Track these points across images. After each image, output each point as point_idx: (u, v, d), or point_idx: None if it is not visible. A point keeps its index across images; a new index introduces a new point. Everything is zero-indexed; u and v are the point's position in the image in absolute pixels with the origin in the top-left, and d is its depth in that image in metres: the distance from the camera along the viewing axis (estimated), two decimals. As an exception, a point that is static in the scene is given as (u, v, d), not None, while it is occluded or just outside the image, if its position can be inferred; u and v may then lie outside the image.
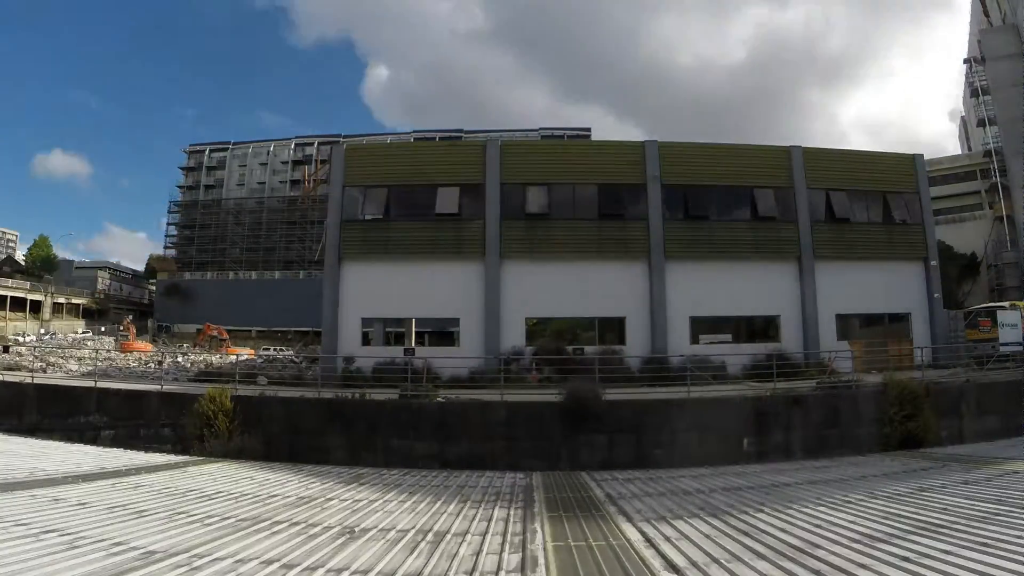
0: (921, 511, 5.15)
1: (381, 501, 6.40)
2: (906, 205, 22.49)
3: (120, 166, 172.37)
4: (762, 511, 5.49)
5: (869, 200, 22.39)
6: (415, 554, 4.24)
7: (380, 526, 5.12)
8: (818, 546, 4.17)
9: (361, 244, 20.90)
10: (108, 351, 42.51)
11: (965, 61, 52.69)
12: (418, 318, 22.17)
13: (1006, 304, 23.92)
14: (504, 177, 21.02)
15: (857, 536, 4.40)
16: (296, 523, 5.14)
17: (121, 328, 58.65)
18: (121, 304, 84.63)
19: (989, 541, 4.05)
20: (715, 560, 3.95)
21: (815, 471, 8.29)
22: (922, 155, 23.54)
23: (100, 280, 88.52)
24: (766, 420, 12.52)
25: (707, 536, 4.63)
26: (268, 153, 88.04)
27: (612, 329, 21.43)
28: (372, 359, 18.67)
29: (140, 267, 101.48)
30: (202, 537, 4.54)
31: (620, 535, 4.83)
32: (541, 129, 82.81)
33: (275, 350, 49.53)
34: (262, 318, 69.63)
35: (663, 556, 4.11)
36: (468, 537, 4.76)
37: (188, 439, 11.96)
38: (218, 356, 42.45)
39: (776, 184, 21.83)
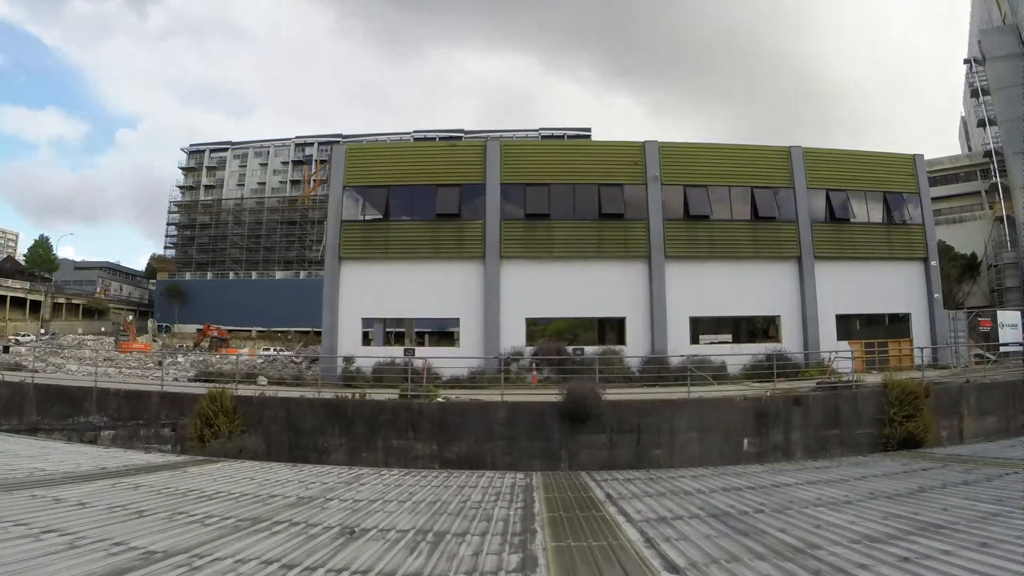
0: (921, 511, 5.15)
1: (381, 501, 6.39)
2: (906, 205, 22.48)
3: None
4: (762, 511, 5.48)
5: (869, 200, 22.38)
6: (415, 554, 4.24)
7: (380, 526, 5.12)
8: (818, 546, 4.17)
9: (361, 244, 20.89)
10: (108, 351, 42.55)
11: (965, 61, 52.72)
12: (418, 318, 22.17)
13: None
14: (504, 177, 21.02)
15: (857, 536, 4.40)
16: (296, 523, 5.13)
17: (121, 328, 58.67)
18: (121, 304, 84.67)
19: (989, 541, 4.05)
20: (715, 560, 3.95)
21: (815, 471, 8.28)
22: (922, 155, 23.54)
23: (100, 280, 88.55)
24: (766, 420, 12.51)
25: (707, 536, 4.62)
26: (268, 153, 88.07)
27: (612, 329, 21.44)
28: (372, 359, 18.67)
29: (140, 267, 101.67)
30: (202, 537, 4.54)
31: (620, 535, 4.82)
32: (541, 129, 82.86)
33: (275, 350, 49.54)
34: (262, 318, 69.67)
35: (663, 556, 4.11)
36: (468, 537, 4.76)
37: (188, 439, 11.95)
38: (218, 356, 42.51)
39: (776, 184, 21.83)
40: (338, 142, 63.90)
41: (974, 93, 48.59)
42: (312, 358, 32.86)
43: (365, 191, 21.73)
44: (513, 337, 19.90)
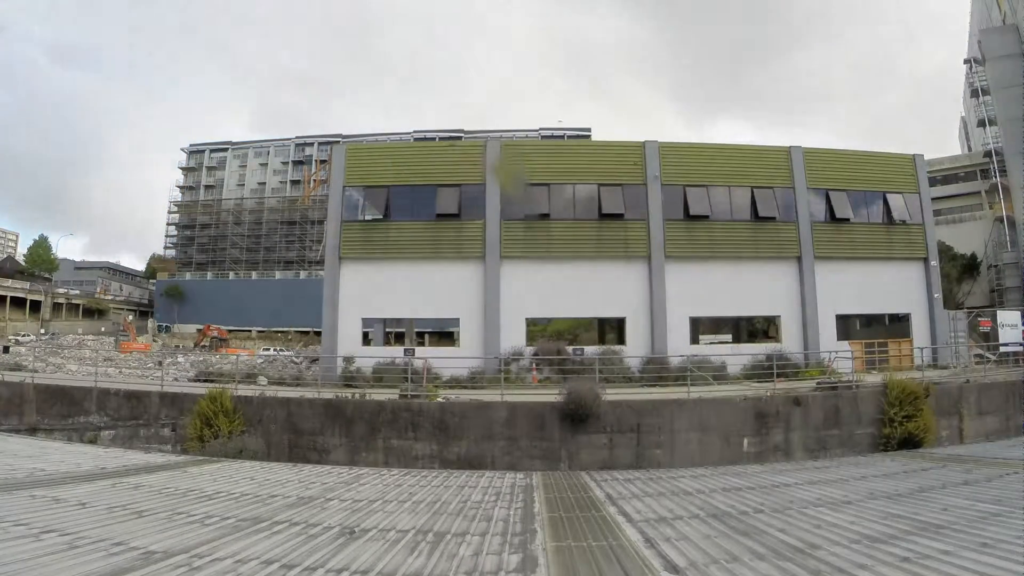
0: (921, 511, 5.15)
1: (381, 501, 6.39)
2: (906, 205, 22.48)
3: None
4: (762, 512, 5.48)
5: (869, 200, 22.39)
6: (415, 554, 4.24)
7: (380, 526, 5.12)
8: (818, 547, 4.17)
9: (361, 244, 20.89)
10: (108, 351, 42.57)
11: (965, 61, 52.68)
12: (418, 318, 22.17)
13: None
14: (504, 177, 21.01)
15: (857, 537, 4.40)
16: (296, 523, 5.14)
17: (121, 328, 58.67)
18: (121, 304, 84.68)
19: (989, 541, 4.05)
20: (715, 560, 3.95)
21: (815, 471, 8.29)
22: (922, 155, 23.53)
23: (100, 280, 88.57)
24: (766, 420, 12.50)
25: (707, 536, 4.63)
26: (268, 153, 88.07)
27: (612, 329, 21.44)
28: (372, 359, 18.67)
29: (140, 267, 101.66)
30: (202, 537, 4.54)
31: (620, 535, 4.83)
32: (541, 129, 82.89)
33: (275, 350, 49.54)
34: (262, 318, 69.67)
35: (663, 556, 4.11)
36: (468, 537, 4.76)
37: (188, 439, 11.96)
38: (218, 356, 42.54)
39: (776, 184, 21.83)
40: (338, 142, 63.92)
41: (974, 93, 48.55)
42: (312, 358, 32.87)
43: (365, 191, 21.73)
44: (513, 337, 19.90)
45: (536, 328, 20.84)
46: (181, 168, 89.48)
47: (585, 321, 21.81)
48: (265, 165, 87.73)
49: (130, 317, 72.05)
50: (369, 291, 20.39)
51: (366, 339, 21.11)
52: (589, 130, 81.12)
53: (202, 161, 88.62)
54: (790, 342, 20.40)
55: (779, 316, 21.24)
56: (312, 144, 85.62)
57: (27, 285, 66.64)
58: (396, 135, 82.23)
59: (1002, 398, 14.23)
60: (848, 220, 21.90)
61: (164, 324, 72.22)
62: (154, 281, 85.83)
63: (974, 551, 3.85)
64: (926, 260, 22.29)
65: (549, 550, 4.38)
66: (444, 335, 27.47)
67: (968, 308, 30.69)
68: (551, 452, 11.94)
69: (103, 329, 67.65)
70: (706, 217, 21.24)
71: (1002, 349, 23.22)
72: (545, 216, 20.91)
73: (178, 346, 57.52)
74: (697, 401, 12.74)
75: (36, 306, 66.74)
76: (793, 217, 21.56)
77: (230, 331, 63.30)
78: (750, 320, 22.34)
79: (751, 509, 5.62)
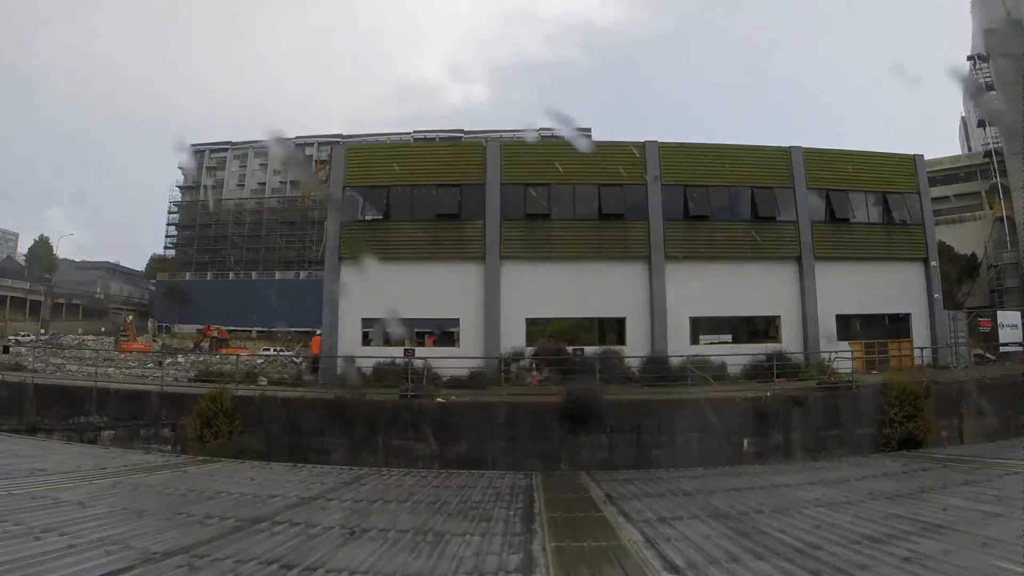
0: (921, 512, 5.16)
1: (381, 501, 6.40)
2: (906, 205, 22.45)
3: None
4: (762, 512, 5.49)
5: (869, 200, 22.35)
6: (415, 554, 4.25)
7: (380, 526, 5.12)
8: (818, 547, 4.17)
9: (361, 245, 20.87)
10: (108, 351, 42.55)
11: (968, 59, 52.63)
12: (418, 319, 22.14)
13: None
14: (504, 177, 21.00)
15: (857, 537, 4.40)
16: (296, 523, 5.14)
17: (121, 328, 58.62)
18: (121, 304, 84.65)
19: (989, 541, 4.06)
20: (715, 560, 3.96)
21: (815, 472, 8.30)
22: (922, 155, 23.49)
23: (99, 280, 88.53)
24: (766, 420, 12.49)
25: (707, 536, 4.63)
26: (268, 153, 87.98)
27: (612, 329, 21.40)
28: (372, 359, 18.65)
29: (140, 267, 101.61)
30: (202, 537, 4.55)
31: (620, 535, 4.83)
32: (541, 129, 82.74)
33: (275, 350, 49.51)
34: (262, 318, 69.61)
35: (663, 556, 4.12)
36: (468, 537, 4.77)
37: (188, 439, 11.95)
38: (218, 356, 42.50)
39: (776, 184, 21.80)
40: (338, 142, 63.84)
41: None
42: (312, 358, 32.83)
43: (365, 191, 21.72)
44: (513, 337, 19.88)
45: (536, 328, 20.80)
46: (181, 168, 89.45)
47: (585, 321, 21.77)
48: (265, 165, 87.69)
49: (130, 317, 71.89)
50: (369, 291, 20.36)
51: (366, 339, 21.10)
52: (589, 130, 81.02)
53: (202, 161, 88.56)
54: (790, 342, 20.38)
55: (779, 316, 21.22)
56: (312, 144, 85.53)
57: (27, 285, 66.62)
58: (396, 135, 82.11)
59: (1002, 398, 14.21)
60: (848, 220, 21.87)
61: (164, 324, 72.15)
62: (154, 281, 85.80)
63: (974, 551, 3.85)
64: (926, 260, 22.26)
65: (549, 550, 4.38)
66: (444, 335, 27.43)
67: (968, 308, 30.68)
68: (551, 452, 11.93)
69: (103, 329, 67.60)
70: (706, 217, 21.21)
71: (1002, 349, 23.22)
72: (545, 216, 20.90)
73: (174, 349, 57.44)
74: (697, 401, 12.73)
75: (36, 306, 66.73)
76: (793, 217, 21.53)
77: (230, 331, 63.21)
78: (750, 320, 22.30)
79: (751, 509, 5.62)
